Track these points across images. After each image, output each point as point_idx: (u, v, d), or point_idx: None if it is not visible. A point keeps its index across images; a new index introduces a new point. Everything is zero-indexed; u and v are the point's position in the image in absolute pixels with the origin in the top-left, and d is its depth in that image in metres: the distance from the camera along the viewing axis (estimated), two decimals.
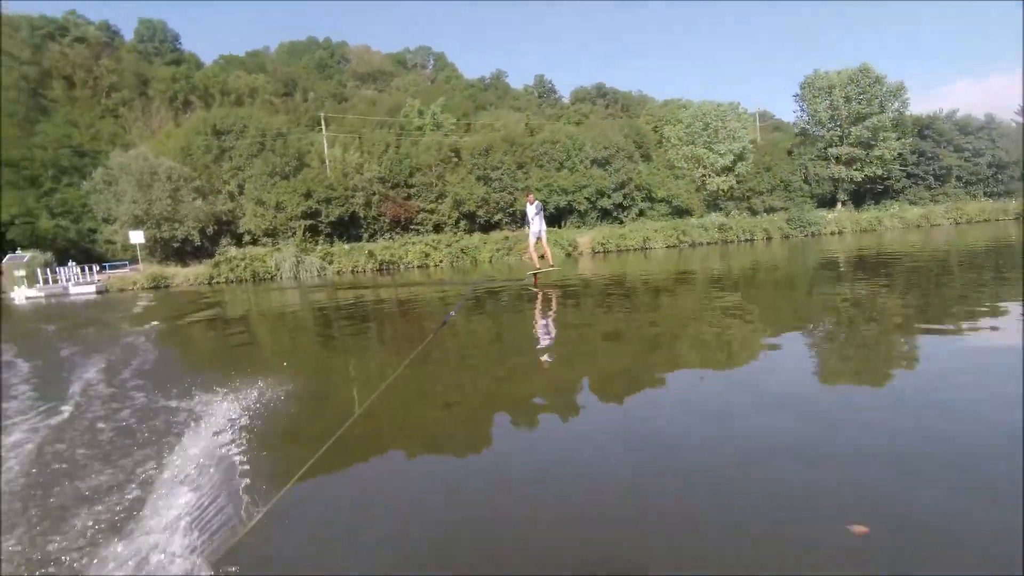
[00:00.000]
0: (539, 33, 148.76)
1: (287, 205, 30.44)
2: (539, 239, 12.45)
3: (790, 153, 41.63)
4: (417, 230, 33.30)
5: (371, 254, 28.68)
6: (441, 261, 29.50)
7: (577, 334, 7.31)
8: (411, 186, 33.50)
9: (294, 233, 30.26)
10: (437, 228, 33.72)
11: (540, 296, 11.83)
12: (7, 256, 24.86)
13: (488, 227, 34.46)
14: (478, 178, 33.99)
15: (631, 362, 5.62)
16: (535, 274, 13.24)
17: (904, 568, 2.07)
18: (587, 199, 35.41)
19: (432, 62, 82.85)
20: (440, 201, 33.65)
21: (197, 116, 36.61)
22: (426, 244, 29.83)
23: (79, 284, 24.60)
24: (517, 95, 68.48)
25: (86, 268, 26.29)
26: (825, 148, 40.43)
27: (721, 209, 38.58)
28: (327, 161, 33.42)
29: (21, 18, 50.92)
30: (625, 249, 32.46)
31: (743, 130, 38.67)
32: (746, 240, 34.58)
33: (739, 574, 2.18)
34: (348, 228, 32.17)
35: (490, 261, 29.77)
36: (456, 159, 34.73)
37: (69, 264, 26.29)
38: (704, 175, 37.53)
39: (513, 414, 4.15)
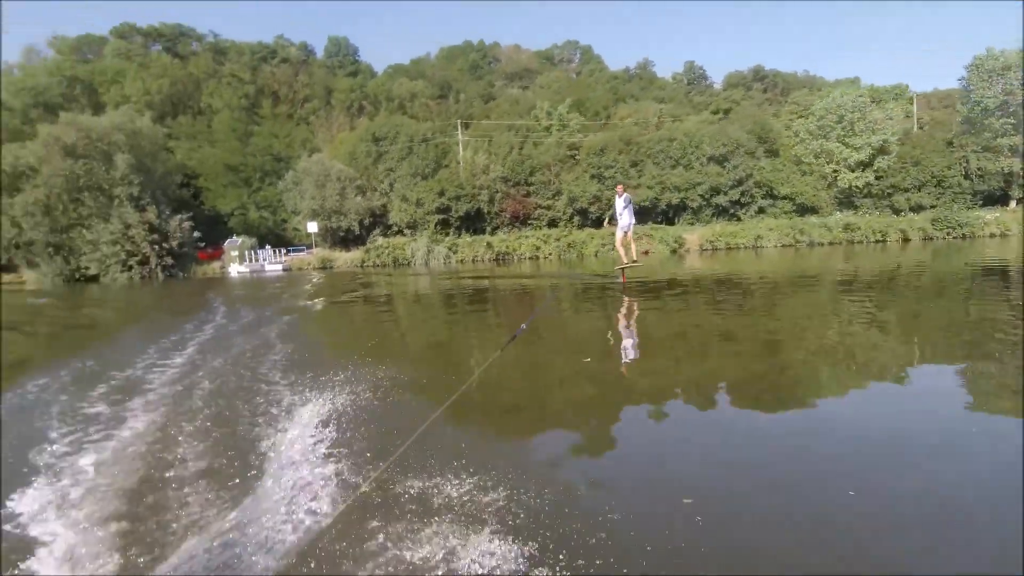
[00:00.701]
0: (691, 18, 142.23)
1: (425, 201, 35.90)
2: (626, 233, 11.97)
3: (950, 144, 37.35)
4: (534, 224, 36.86)
5: (489, 245, 32.94)
6: (550, 254, 32.75)
7: (695, 333, 7.89)
8: (530, 184, 37.10)
9: (428, 226, 35.64)
10: (552, 223, 36.96)
11: (630, 295, 12.02)
12: (228, 240, 33.43)
13: (600, 223, 36.79)
14: (592, 176, 36.43)
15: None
16: (623, 269, 12.99)
17: None
18: (701, 196, 35.97)
19: (578, 56, 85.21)
20: (556, 198, 36.81)
21: (362, 124, 43.81)
22: (537, 238, 33.30)
23: (271, 263, 32.29)
24: (663, 84, 68.15)
25: (278, 250, 34.17)
26: (995, 138, 35.63)
27: (856, 207, 36.35)
28: (460, 163, 38.35)
29: (244, 45, 64.02)
30: (735, 247, 32.74)
31: (888, 120, 35.82)
32: (876, 241, 32.58)
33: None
34: (474, 222, 36.82)
35: (595, 255, 32.26)
36: (574, 158, 37.52)
37: (266, 247, 34.39)
38: (835, 171, 35.66)
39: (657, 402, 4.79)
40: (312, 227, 34.86)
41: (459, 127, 41.29)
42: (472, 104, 58.21)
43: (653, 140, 37.33)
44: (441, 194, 35.60)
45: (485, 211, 36.41)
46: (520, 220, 36.84)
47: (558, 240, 32.84)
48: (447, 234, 35.76)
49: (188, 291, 22.26)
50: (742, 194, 36.18)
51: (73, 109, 42.08)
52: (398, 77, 65.40)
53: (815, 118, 36.69)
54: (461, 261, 32.01)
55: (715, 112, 49.92)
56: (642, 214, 36.33)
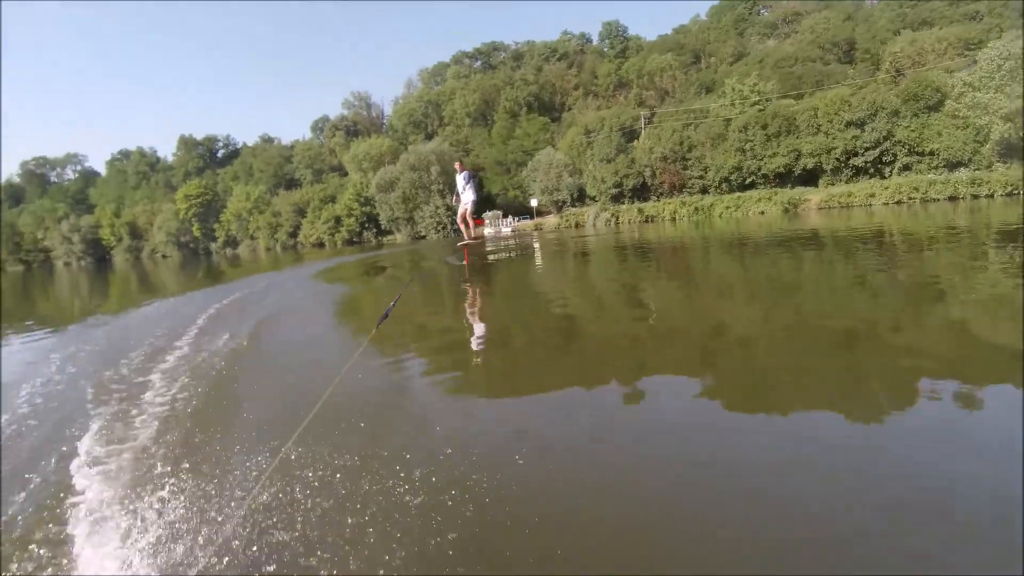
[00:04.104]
0: None
1: (607, 179, 51.04)
2: (466, 210, 12.44)
3: None
4: (688, 192, 48.01)
5: (640, 211, 46.65)
6: (684, 216, 44.46)
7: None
8: (687, 159, 48.07)
9: (605, 197, 50.83)
10: (704, 190, 47.44)
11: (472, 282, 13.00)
12: (486, 212, 55.82)
13: (745, 187, 45.48)
14: (737, 149, 45.19)
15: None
16: (465, 246, 13.40)
17: None
18: (836, 159, 41.05)
19: None
20: (707, 171, 47.04)
21: (575, 127, 60.16)
22: (675, 204, 45.30)
23: (506, 227, 53.20)
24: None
25: (512, 218, 54.93)
26: None
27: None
28: (636, 147, 51.64)
29: (536, 46, 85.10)
30: (848, 206, 38.26)
31: None
32: (1008, 194, 33.40)
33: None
34: (641, 192, 50.23)
35: (720, 216, 42.57)
36: (724, 135, 46.61)
37: (508, 216, 55.52)
38: (990, 122, 35.67)
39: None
40: (533, 202, 54.38)
41: (642, 120, 53.85)
42: (717, 69, 65.77)
43: (798, 111, 43.26)
44: (615, 173, 50.14)
45: (648, 183, 49.41)
46: (677, 188, 48.51)
47: (687, 205, 44.21)
48: (623, 203, 50.29)
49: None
50: (882, 154, 39.60)
51: (427, 125, 71.69)
52: (659, 50, 73.19)
53: (980, 68, 36.47)
54: (618, 223, 46.69)
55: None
56: (782, 178, 43.80)
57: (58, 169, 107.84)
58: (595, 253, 20.79)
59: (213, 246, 77.33)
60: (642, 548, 2.64)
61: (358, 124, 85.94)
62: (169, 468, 3.64)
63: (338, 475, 3.38)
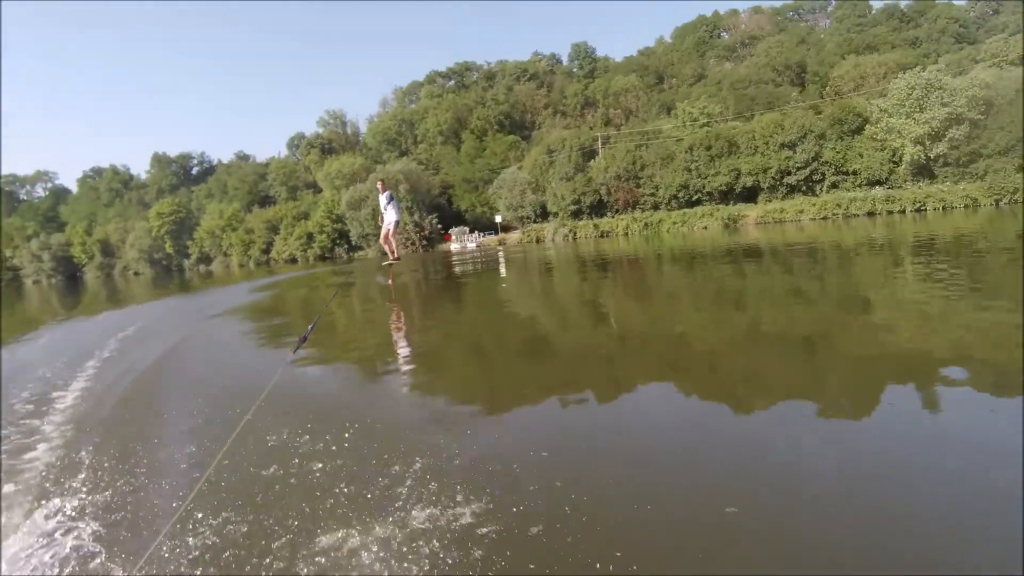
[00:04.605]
0: None
1: (565, 196, 54.12)
2: (388, 231, 12.55)
3: None
4: (640, 208, 51.29)
5: (596, 226, 49.77)
6: (635, 231, 47.59)
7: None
8: (639, 178, 51.43)
9: (565, 213, 53.88)
10: (655, 207, 50.77)
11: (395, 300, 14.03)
12: (452, 228, 58.44)
13: (692, 204, 48.91)
14: (685, 169, 48.67)
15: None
16: (390, 266, 13.51)
17: None
18: (772, 177, 44.70)
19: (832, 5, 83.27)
20: (657, 188, 50.42)
21: (539, 147, 63.34)
22: (627, 220, 48.48)
23: (471, 242, 55.88)
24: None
25: (478, 233, 57.66)
26: None
27: (935, 177, 39.54)
28: (592, 167, 54.91)
29: (507, 66, 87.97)
30: (781, 221, 41.78)
31: (969, 89, 37.62)
32: (916, 211, 37.12)
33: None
34: (597, 208, 53.43)
35: (667, 231, 45.80)
36: (672, 156, 50.11)
37: (475, 232, 58.23)
38: (902, 144, 39.62)
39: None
40: (498, 218, 57.26)
41: (599, 140, 57.26)
42: (678, 89, 69.60)
43: (739, 133, 46.97)
44: (574, 191, 53.30)
45: (604, 200, 52.64)
46: (631, 205, 51.78)
47: (637, 220, 47.44)
48: (581, 219, 53.38)
49: (427, 257, 46.79)
50: (812, 172, 43.36)
51: (401, 143, 74.34)
52: (625, 71, 77.15)
53: (894, 98, 40.50)
54: (575, 238, 49.69)
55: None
56: (725, 195, 47.31)
57: (28, 187, 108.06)
58: (548, 264, 23.66)
59: (186, 263, 78.65)
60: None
61: (333, 141, 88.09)
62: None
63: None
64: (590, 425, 4.65)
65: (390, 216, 12.36)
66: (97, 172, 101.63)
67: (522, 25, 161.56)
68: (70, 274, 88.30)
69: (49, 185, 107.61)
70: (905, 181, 40.67)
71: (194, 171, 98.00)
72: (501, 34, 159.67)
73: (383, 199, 12.30)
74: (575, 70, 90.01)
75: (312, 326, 6.33)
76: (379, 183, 12.91)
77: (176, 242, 79.10)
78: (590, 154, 57.74)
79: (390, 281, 14.48)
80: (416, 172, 60.39)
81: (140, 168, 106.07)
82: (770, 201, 45.27)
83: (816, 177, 43.96)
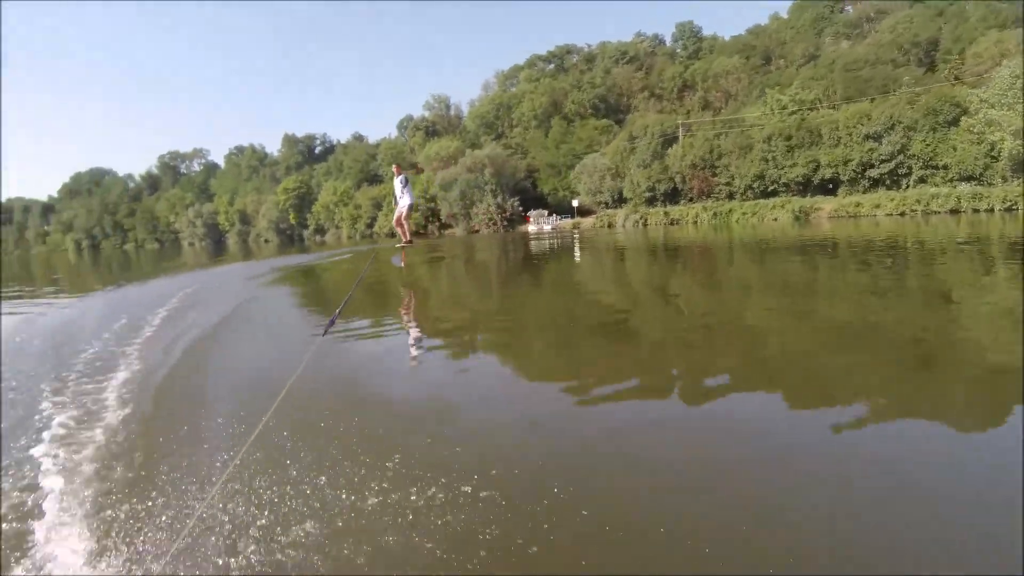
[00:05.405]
0: None
1: (641, 182, 55.36)
2: (401, 214, 12.73)
3: None
4: (716, 197, 51.38)
5: (666, 214, 50.85)
6: (705, 220, 48.16)
7: None
8: (716, 167, 51.43)
9: (639, 200, 55.18)
10: (730, 196, 50.65)
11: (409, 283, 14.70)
12: (531, 211, 61.82)
13: (767, 195, 48.33)
14: (761, 159, 48.11)
15: None
16: (403, 248, 13.55)
17: None
18: (853, 170, 43.18)
19: None
20: (732, 178, 50.25)
21: (624, 130, 64.42)
22: (698, 209, 49.10)
23: (547, 225, 58.94)
24: None
25: (555, 216, 60.57)
26: None
27: None
28: (670, 154, 55.42)
29: (607, 47, 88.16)
30: (856, 216, 40.67)
31: None
32: (1006, 210, 34.80)
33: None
34: (672, 196, 54.14)
35: (736, 221, 46.03)
36: (750, 146, 49.54)
37: (552, 215, 61.22)
38: (1002, 138, 36.72)
39: None
40: (575, 202, 59.81)
41: (680, 128, 57.38)
42: (784, 71, 65.93)
43: (824, 122, 45.54)
44: (649, 178, 54.41)
45: (679, 188, 53.26)
46: (705, 194, 52.01)
47: (709, 211, 47.96)
48: (654, 205, 54.49)
49: (507, 238, 50.83)
50: (897, 166, 41.37)
51: (498, 127, 78.50)
52: (731, 51, 74.65)
53: (995, 87, 37.42)
54: (646, 225, 51.17)
55: None
56: (803, 187, 46.41)
57: (187, 162, 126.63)
58: (619, 248, 26.66)
59: (305, 233, 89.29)
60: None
61: (437, 124, 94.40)
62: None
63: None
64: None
65: (404, 200, 12.74)
66: (239, 150, 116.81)
67: (629, 6, 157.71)
68: (216, 239, 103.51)
69: (203, 161, 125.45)
70: (1002, 178, 37.68)
71: (317, 150, 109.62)
72: (606, 15, 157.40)
73: (398, 183, 12.69)
74: (678, 51, 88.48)
75: (343, 305, 6.78)
76: (394, 167, 13.28)
77: (298, 214, 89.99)
78: (672, 141, 58.13)
79: (403, 263, 14.86)
80: (501, 157, 64.33)
81: (273, 147, 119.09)
82: (850, 194, 43.68)
83: (902, 171, 41.80)
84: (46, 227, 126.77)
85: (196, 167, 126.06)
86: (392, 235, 74.49)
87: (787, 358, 6.44)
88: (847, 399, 4.83)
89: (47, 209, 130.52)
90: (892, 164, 41.70)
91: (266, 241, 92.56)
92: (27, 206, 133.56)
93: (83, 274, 32.06)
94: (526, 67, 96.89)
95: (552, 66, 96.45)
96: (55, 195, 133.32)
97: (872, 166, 42.56)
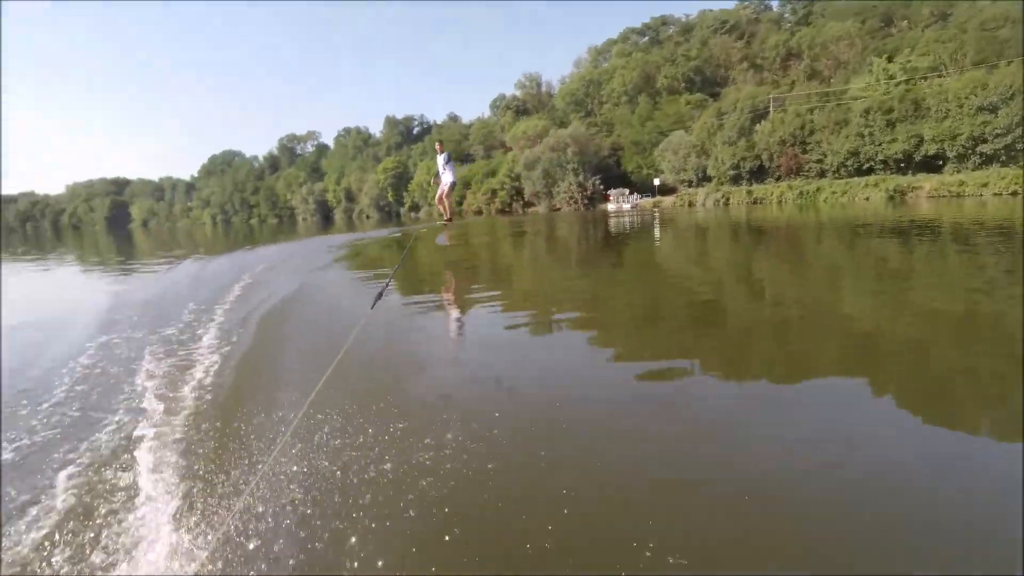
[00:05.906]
0: None
1: (725, 160, 53.75)
2: (443, 192, 12.85)
3: None
4: (806, 176, 48.91)
5: (749, 192, 49.32)
6: (789, 199, 46.30)
7: None
8: (807, 143, 48.81)
9: (723, 178, 53.63)
10: (821, 174, 47.99)
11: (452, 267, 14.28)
12: (611, 189, 61.91)
13: (862, 172, 45.33)
14: (857, 135, 45.10)
15: None
16: (445, 224, 13.68)
17: None
18: (962, 145, 39.51)
19: None
20: (824, 155, 47.53)
21: (713, 106, 62.14)
22: (783, 187, 47.19)
23: (627, 203, 58.98)
24: None
25: (636, 195, 60.33)
26: None
27: None
28: (757, 131, 53.12)
29: (707, 15, 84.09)
30: (960, 195, 37.48)
31: None
32: None
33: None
34: (759, 174, 52.10)
35: (824, 201, 43.89)
36: (846, 120, 46.45)
37: (633, 194, 61.03)
38: None
39: None
40: (656, 180, 59.18)
41: (771, 102, 54.60)
42: (907, 34, 60.37)
43: (932, 94, 41.79)
44: (734, 155, 52.71)
45: (766, 166, 51.17)
46: (794, 172, 49.64)
47: (795, 189, 45.98)
48: (739, 183, 52.84)
49: (587, 216, 51.95)
50: (1015, 140, 37.35)
51: (587, 104, 78.52)
52: (845, 16, 68.04)
53: None
54: (727, 204, 49.92)
55: None
56: (904, 164, 43.21)
57: (302, 144, 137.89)
58: (701, 227, 27.62)
59: (401, 210, 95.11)
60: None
61: (527, 102, 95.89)
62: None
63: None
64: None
65: (447, 178, 12.81)
66: (346, 132, 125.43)
67: None
68: (325, 215, 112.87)
69: (315, 143, 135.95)
70: None
71: (415, 131, 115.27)
72: None
73: (441, 160, 12.78)
74: (786, 15, 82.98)
75: (387, 284, 6.94)
76: (437, 144, 13.59)
77: (395, 192, 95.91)
78: (763, 116, 55.52)
79: (447, 240, 15.05)
80: (583, 136, 64.80)
81: (376, 128, 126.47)
82: (958, 171, 39.95)
83: (1020, 145, 37.50)
84: (189, 203, 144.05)
85: (309, 148, 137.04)
86: (480, 212, 77.96)
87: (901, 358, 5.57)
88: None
89: (189, 187, 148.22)
90: (1008, 138, 37.60)
91: (367, 217, 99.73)
92: (175, 184, 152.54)
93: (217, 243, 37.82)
94: (619, 41, 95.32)
95: (646, 39, 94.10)
96: (195, 175, 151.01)
97: (985, 140, 38.61)
